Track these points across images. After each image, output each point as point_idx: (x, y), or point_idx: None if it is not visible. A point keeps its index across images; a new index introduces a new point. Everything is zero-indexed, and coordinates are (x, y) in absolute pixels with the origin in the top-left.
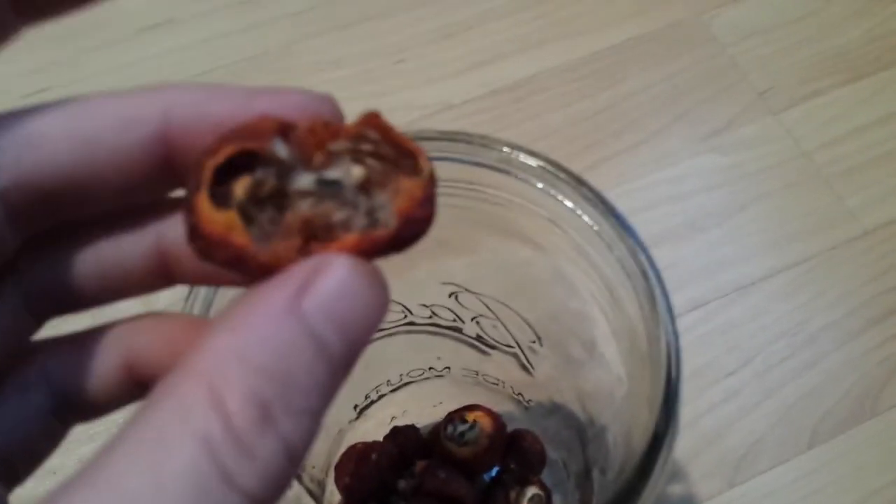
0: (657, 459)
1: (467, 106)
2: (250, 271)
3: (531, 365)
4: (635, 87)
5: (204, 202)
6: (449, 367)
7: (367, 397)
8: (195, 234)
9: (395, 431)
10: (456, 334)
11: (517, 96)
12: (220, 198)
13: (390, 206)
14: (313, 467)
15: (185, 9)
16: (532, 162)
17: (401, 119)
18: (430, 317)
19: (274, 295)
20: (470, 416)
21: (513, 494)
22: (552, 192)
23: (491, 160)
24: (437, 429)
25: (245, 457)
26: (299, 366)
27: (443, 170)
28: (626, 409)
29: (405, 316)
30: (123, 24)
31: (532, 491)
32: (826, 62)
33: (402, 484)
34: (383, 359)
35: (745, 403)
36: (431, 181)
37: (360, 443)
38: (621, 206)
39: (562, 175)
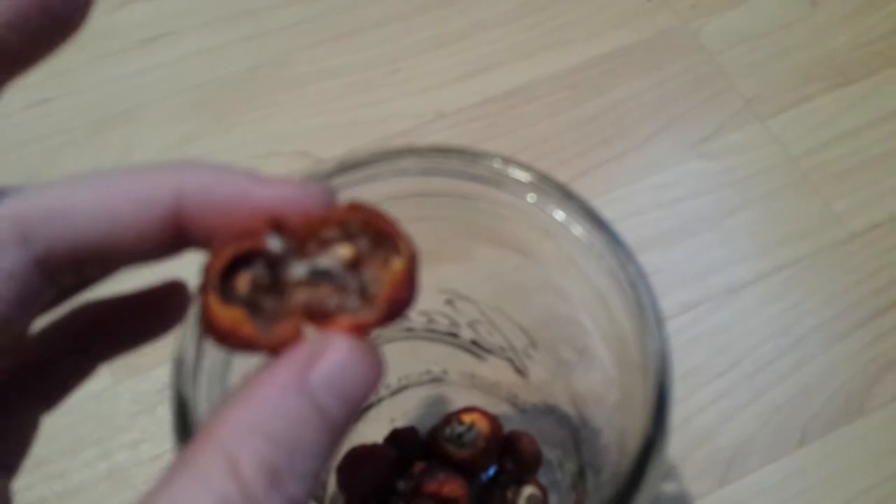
0: (648, 467)
1: (461, 114)
2: (260, 352)
3: (526, 368)
4: (625, 95)
5: (214, 301)
6: (446, 372)
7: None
8: (209, 327)
9: (395, 434)
10: (452, 339)
11: (509, 105)
12: (228, 294)
13: (379, 280)
14: None
15: (183, 21)
16: (523, 176)
17: (396, 127)
18: (428, 323)
19: (284, 372)
20: (467, 419)
21: (510, 494)
22: (543, 205)
23: (483, 174)
24: (436, 431)
25: None
26: (305, 434)
27: (436, 184)
28: (619, 412)
29: (403, 323)
30: (123, 36)
31: (529, 490)
32: (813, 69)
33: (401, 485)
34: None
35: (736, 404)
36: (411, 263)
37: (360, 445)
38: (612, 211)
39: (552, 189)
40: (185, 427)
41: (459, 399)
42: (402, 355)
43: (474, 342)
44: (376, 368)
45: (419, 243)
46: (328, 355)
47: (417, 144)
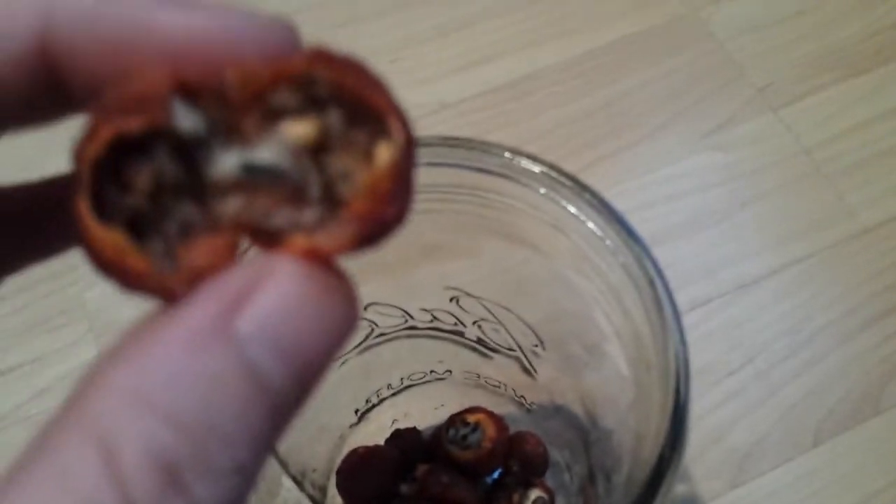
0: (666, 475)
1: (463, 105)
2: (160, 297)
3: (533, 368)
4: (633, 85)
5: (86, 213)
6: (450, 371)
7: (367, 401)
8: (87, 254)
9: (397, 435)
10: (457, 338)
11: (514, 95)
12: (111, 202)
13: (354, 178)
14: (314, 471)
15: None
16: (535, 168)
17: None
18: (432, 321)
19: (193, 313)
20: (472, 419)
21: (516, 497)
22: (555, 197)
23: (493, 166)
24: (439, 432)
25: None
26: (226, 408)
27: (444, 175)
28: (633, 415)
29: (406, 321)
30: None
31: (535, 493)
32: (825, 58)
33: (404, 488)
34: (384, 363)
35: (748, 403)
36: (406, 155)
37: (361, 447)
38: (620, 204)
39: (565, 181)
40: None
41: (464, 399)
42: (403, 354)
43: (480, 340)
44: (342, 308)
45: (424, 237)
46: (266, 289)
47: (426, 135)
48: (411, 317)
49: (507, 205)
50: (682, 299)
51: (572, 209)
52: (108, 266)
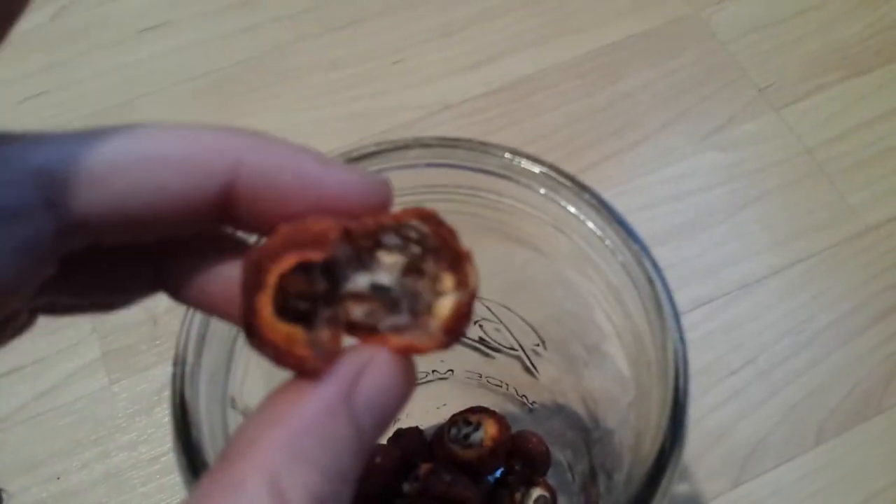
0: (666, 470)
1: (466, 105)
2: (304, 373)
3: (535, 367)
4: (635, 85)
5: (267, 308)
6: (452, 370)
7: None
8: (254, 334)
9: (399, 434)
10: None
11: (516, 95)
12: (281, 304)
13: (432, 297)
14: None
15: (183, 10)
16: (534, 168)
17: (400, 119)
18: None
19: (327, 391)
20: (474, 418)
21: (518, 496)
22: (555, 197)
23: (493, 166)
24: (441, 431)
25: None
26: (346, 456)
27: (444, 176)
28: (633, 413)
29: None
30: (122, 26)
31: (537, 492)
32: (827, 57)
33: (406, 487)
34: None
35: (750, 402)
36: (475, 294)
37: None
38: (622, 204)
39: (564, 181)
40: (185, 428)
41: (466, 399)
42: None
43: (482, 340)
44: (412, 386)
45: None
46: (373, 374)
47: (425, 136)
48: None
49: (507, 205)
50: (684, 299)
51: (572, 209)
52: (278, 352)
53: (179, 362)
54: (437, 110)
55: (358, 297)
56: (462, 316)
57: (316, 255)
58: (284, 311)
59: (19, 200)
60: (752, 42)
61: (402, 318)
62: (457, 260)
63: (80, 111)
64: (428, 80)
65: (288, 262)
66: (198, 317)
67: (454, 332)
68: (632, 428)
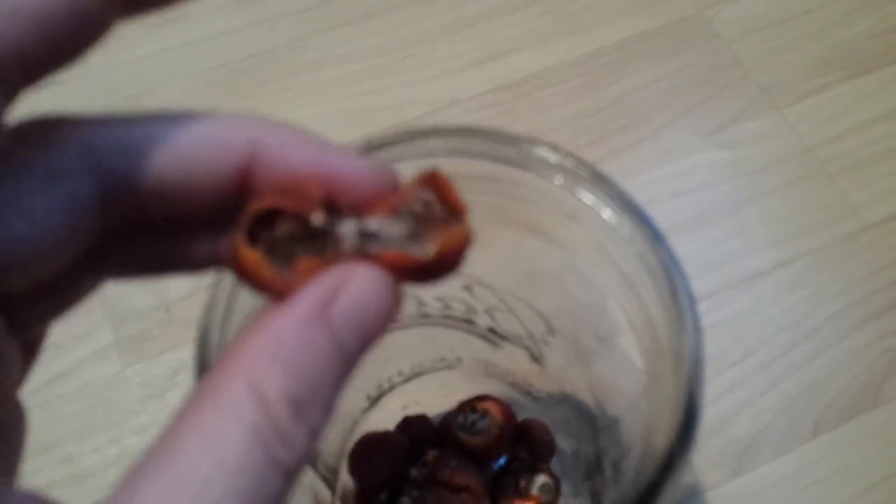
0: (678, 461)
1: (474, 101)
2: (275, 295)
3: (542, 356)
4: (640, 83)
5: (240, 240)
6: (461, 359)
7: (379, 387)
8: (233, 265)
9: (407, 421)
10: (468, 326)
11: (523, 91)
12: (263, 239)
13: (432, 236)
14: (327, 453)
15: (194, 5)
16: (551, 157)
17: (409, 114)
18: (444, 308)
19: (305, 302)
20: (480, 406)
21: (522, 483)
22: (571, 187)
23: (509, 155)
24: (449, 418)
25: (285, 443)
26: (324, 366)
27: (459, 165)
28: (644, 404)
29: (419, 308)
30: (136, 20)
31: (541, 479)
32: (830, 57)
33: (413, 472)
34: (396, 350)
35: (750, 394)
36: (470, 236)
37: (372, 432)
38: None
39: (581, 170)
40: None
41: (473, 387)
42: (415, 342)
43: (491, 329)
44: (395, 303)
45: None
46: (351, 289)
47: (444, 125)
48: (425, 304)
49: (523, 195)
50: None
51: (588, 199)
52: (244, 274)
53: (202, 334)
54: (446, 105)
55: (349, 242)
56: (458, 243)
57: (291, 205)
58: (273, 253)
59: (65, 163)
60: (756, 42)
61: (396, 242)
62: (456, 215)
63: (93, 103)
64: (436, 76)
65: (266, 203)
66: (224, 289)
67: (448, 253)
68: (642, 419)
